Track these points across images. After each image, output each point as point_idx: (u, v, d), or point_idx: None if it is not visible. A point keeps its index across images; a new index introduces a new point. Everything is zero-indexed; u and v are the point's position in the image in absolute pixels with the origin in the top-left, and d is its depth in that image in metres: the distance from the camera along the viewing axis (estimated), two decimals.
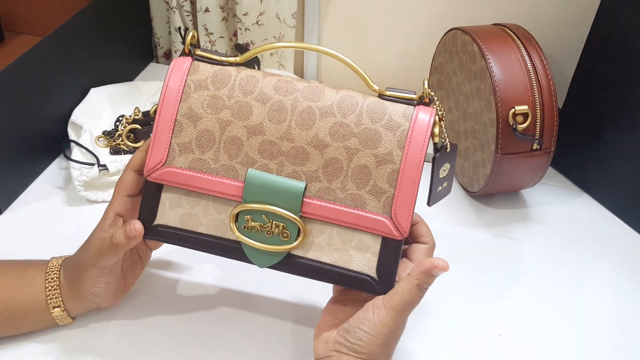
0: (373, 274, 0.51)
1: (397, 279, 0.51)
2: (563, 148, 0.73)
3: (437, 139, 0.52)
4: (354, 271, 0.51)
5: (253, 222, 0.51)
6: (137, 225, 0.52)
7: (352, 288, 0.52)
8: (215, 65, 0.53)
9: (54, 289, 0.55)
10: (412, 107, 0.51)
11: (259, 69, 0.88)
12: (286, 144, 0.51)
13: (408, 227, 0.50)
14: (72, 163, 0.74)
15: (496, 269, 0.69)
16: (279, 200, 0.51)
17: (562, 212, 0.77)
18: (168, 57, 1.04)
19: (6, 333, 0.57)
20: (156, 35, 1.01)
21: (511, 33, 0.72)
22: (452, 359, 0.59)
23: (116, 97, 0.85)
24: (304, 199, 0.51)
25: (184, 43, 0.55)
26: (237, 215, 0.51)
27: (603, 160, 0.77)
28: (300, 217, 0.51)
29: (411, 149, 0.50)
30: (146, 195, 0.53)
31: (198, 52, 0.54)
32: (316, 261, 0.52)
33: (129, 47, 0.96)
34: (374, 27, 0.94)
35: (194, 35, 0.54)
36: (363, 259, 0.51)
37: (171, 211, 0.53)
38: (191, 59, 0.53)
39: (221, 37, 0.97)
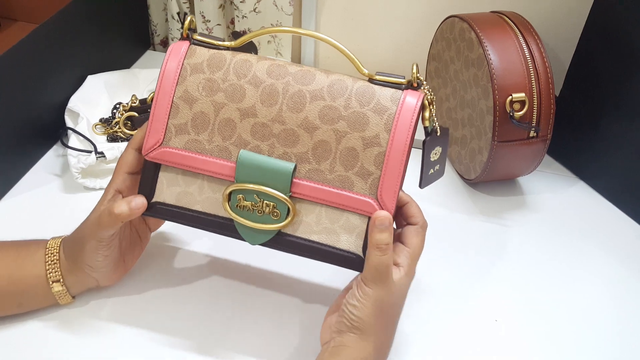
0: (359, 252, 0.52)
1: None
2: (560, 136, 0.73)
3: (427, 123, 0.53)
4: (341, 249, 0.53)
5: (245, 202, 0.53)
6: (140, 200, 0.54)
7: (339, 265, 0.53)
8: (211, 50, 0.54)
9: (54, 264, 0.56)
10: (400, 91, 0.52)
11: (256, 53, 0.88)
12: (277, 126, 0.52)
13: (393, 208, 0.51)
14: (69, 150, 0.74)
15: (492, 256, 0.69)
16: (270, 180, 0.52)
17: (559, 199, 0.77)
18: (165, 44, 1.04)
19: (8, 311, 0.57)
20: (153, 22, 1.01)
21: (509, 21, 0.71)
22: (447, 344, 0.59)
23: (113, 85, 0.85)
24: (294, 180, 0.52)
25: (182, 27, 0.56)
26: (230, 194, 0.53)
27: (599, 148, 0.77)
28: (290, 197, 0.52)
29: (397, 132, 0.51)
30: (145, 173, 0.55)
31: (196, 36, 0.55)
32: (305, 239, 0.53)
33: (125, 34, 0.95)
34: (372, 14, 0.93)
35: (192, 20, 0.55)
36: (350, 237, 0.52)
37: (168, 189, 0.55)
38: (189, 43, 0.54)
39: (218, 24, 0.97)
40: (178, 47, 0.54)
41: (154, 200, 0.55)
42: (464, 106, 0.75)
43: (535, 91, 0.68)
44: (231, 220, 0.54)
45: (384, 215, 0.50)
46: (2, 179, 0.73)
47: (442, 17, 0.79)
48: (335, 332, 0.51)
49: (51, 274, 0.56)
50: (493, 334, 0.61)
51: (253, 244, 0.54)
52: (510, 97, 0.67)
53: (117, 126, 0.79)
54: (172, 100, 0.54)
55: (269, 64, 0.53)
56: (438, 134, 0.55)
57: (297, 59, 1.01)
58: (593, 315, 0.63)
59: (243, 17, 0.95)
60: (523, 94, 0.67)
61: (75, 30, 0.81)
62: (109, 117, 0.81)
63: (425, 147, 0.55)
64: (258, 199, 0.53)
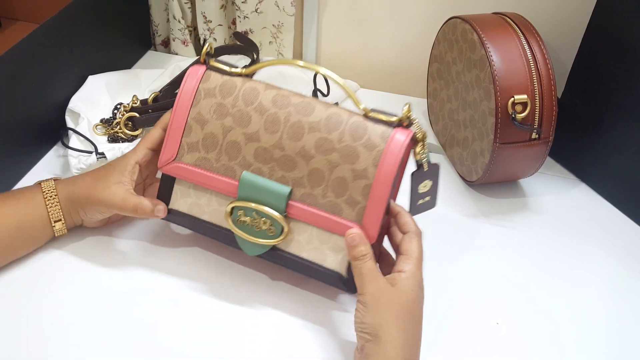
0: (343, 272, 0.58)
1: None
2: (562, 138, 0.73)
3: (418, 157, 0.58)
4: (327, 268, 0.58)
5: (245, 217, 0.59)
6: (163, 207, 0.62)
7: (324, 282, 0.59)
8: (224, 76, 0.60)
9: (55, 205, 0.62)
10: (391, 129, 0.56)
11: (257, 56, 0.87)
12: (278, 151, 0.57)
13: (376, 236, 0.56)
14: (70, 151, 0.74)
15: (493, 258, 0.69)
16: (268, 200, 0.58)
17: (560, 201, 0.77)
18: (166, 45, 1.04)
19: (16, 255, 0.63)
20: (154, 22, 1.01)
21: (511, 22, 0.71)
22: (449, 347, 0.59)
23: (114, 85, 0.85)
24: (289, 202, 0.57)
25: (206, 62, 0.61)
26: (232, 209, 0.59)
27: (601, 150, 0.77)
28: (285, 217, 0.58)
29: (384, 168, 0.55)
30: (162, 183, 0.62)
31: (212, 62, 0.60)
32: (296, 256, 0.59)
33: (127, 34, 0.95)
34: (374, 15, 0.93)
35: (211, 46, 0.61)
36: (336, 258, 0.58)
37: (181, 199, 0.62)
38: (205, 68, 0.60)
39: (220, 25, 0.97)
40: (195, 71, 0.60)
41: (169, 207, 0.62)
42: (465, 107, 0.75)
43: (537, 93, 0.68)
44: (232, 232, 0.60)
45: (354, 232, 0.55)
46: (3, 179, 0.72)
47: (444, 18, 0.79)
48: (358, 351, 0.53)
49: (53, 215, 0.62)
50: (494, 336, 0.60)
51: (250, 254, 0.60)
52: (513, 98, 0.67)
53: (118, 127, 0.79)
54: (187, 121, 0.60)
55: (275, 94, 0.58)
56: (425, 169, 0.59)
57: (298, 58, 1.01)
58: (594, 317, 0.63)
59: (245, 18, 0.95)
60: (525, 96, 0.67)
61: (76, 30, 0.80)
62: (110, 117, 0.81)
63: (413, 179, 0.60)
64: (256, 216, 0.58)
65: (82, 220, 0.65)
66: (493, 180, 0.75)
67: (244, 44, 0.93)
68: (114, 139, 0.78)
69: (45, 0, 0.94)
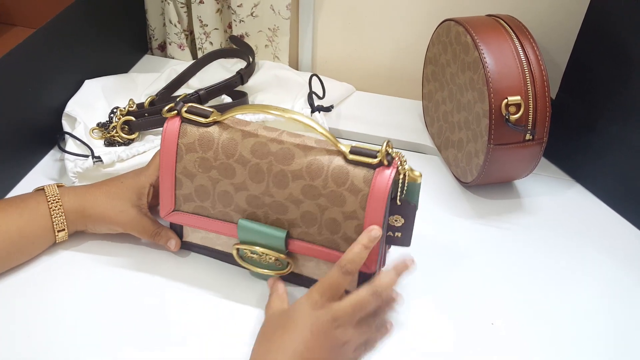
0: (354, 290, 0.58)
1: None
2: (556, 138, 0.73)
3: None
4: None
5: (251, 254, 0.62)
6: (178, 242, 0.66)
7: None
8: (200, 128, 0.60)
9: (60, 216, 0.63)
10: (372, 170, 0.56)
11: (253, 60, 0.88)
12: (267, 198, 0.59)
13: (375, 266, 0.58)
14: (66, 155, 0.74)
15: (488, 259, 0.69)
16: (267, 243, 0.61)
17: (555, 202, 0.77)
18: (163, 48, 1.04)
19: (18, 261, 0.64)
20: (151, 27, 1.01)
21: (504, 24, 0.72)
22: (444, 347, 0.59)
23: (110, 89, 0.85)
24: (289, 240, 0.60)
25: (179, 112, 0.61)
26: (238, 249, 0.63)
27: (596, 151, 0.77)
28: (288, 253, 0.61)
29: (371, 210, 0.56)
30: (172, 225, 0.66)
31: (184, 114, 0.60)
32: (310, 278, 0.63)
33: (123, 38, 0.95)
34: (368, 18, 0.94)
35: (182, 106, 0.61)
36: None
37: (193, 234, 0.66)
38: (179, 122, 0.60)
39: (216, 28, 0.97)
40: (172, 128, 0.60)
41: (183, 239, 0.67)
42: (460, 109, 0.76)
43: (530, 94, 0.68)
44: None
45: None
46: (0, 183, 0.73)
47: (438, 20, 0.79)
48: None
49: (57, 225, 0.63)
50: (490, 337, 0.61)
51: (264, 279, 0.65)
52: (506, 100, 0.67)
53: (114, 130, 0.79)
54: (175, 175, 0.61)
55: (253, 143, 0.58)
56: (397, 203, 0.59)
57: (294, 63, 1.01)
58: (590, 317, 0.63)
59: (240, 22, 0.95)
60: (519, 97, 0.67)
61: (72, 34, 0.81)
62: (106, 121, 0.81)
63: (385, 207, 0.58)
64: (261, 254, 0.62)
65: (86, 230, 0.66)
66: (488, 182, 0.76)
67: (240, 48, 0.93)
68: (110, 142, 0.79)
69: (42, 5, 0.94)
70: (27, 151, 0.77)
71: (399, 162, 0.57)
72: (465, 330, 0.61)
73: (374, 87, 0.99)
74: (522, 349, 0.60)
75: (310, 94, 0.84)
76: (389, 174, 0.55)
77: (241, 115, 0.70)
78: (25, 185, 0.75)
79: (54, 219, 0.63)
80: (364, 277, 0.60)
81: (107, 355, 0.57)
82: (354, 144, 0.58)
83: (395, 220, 0.61)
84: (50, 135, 0.79)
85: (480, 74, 0.69)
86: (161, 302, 0.62)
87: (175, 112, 0.61)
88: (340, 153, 0.57)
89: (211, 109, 0.61)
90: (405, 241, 0.63)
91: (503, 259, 0.69)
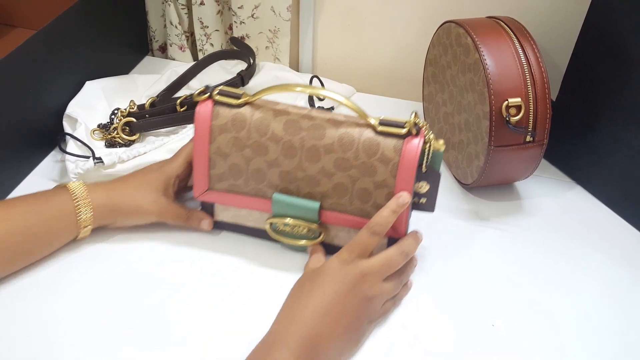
0: None
1: None
2: (556, 140, 0.73)
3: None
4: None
5: (284, 227, 0.65)
6: (211, 221, 0.68)
7: None
8: (232, 109, 0.62)
9: (87, 212, 0.64)
10: (401, 140, 0.59)
11: (253, 61, 0.88)
12: (300, 173, 0.62)
13: (404, 231, 0.62)
14: (67, 156, 0.74)
15: (489, 261, 0.69)
16: (301, 214, 0.63)
17: (555, 204, 0.77)
18: (163, 50, 1.04)
19: (37, 257, 0.64)
20: (151, 28, 1.01)
21: (505, 26, 0.72)
22: (444, 349, 0.59)
23: (111, 90, 0.85)
24: (321, 211, 0.63)
25: (210, 95, 0.64)
26: (271, 223, 0.65)
27: (596, 153, 0.77)
28: (320, 224, 0.64)
29: (402, 178, 0.59)
30: (203, 204, 0.68)
31: (216, 96, 0.63)
32: (340, 246, 0.63)
33: (124, 40, 0.95)
34: (369, 20, 0.94)
35: (207, 87, 0.64)
36: (376, 247, 0.61)
37: (223, 213, 0.68)
38: (212, 103, 0.63)
39: (216, 30, 0.97)
40: (204, 110, 0.63)
41: (214, 219, 0.69)
42: (460, 111, 0.76)
43: (531, 96, 0.68)
44: None
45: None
46: (0, 184, 0.73)
47: (438, 22, 0.79)
48: None
49: (84, 221, 0.64)
50: (491, 338, 0.61)
51: (296, 250, 0.68)
52: (507, 102, 0.67)
53: (115, 132, 0.79)
54: (209, 156, 0.64)
55: (285, 121, 0.61)
56: (423, 170, 0.61)
57: (295, 64, 1.02)
58: (590, 319, 0.63)
59: (241, 23, 0.95)
60: (519, 99, 0.67)
61: (73, 36, 0.81)
62: (107, 122, 0.81)
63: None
64: (294, 226, 0.64)
65: (111, 224, 0.67)
66: (488, 183, 0.76)
67: (240, 49, 0.93)
68: (111, 144, 0.79)
69: (43, 7, 0.94)
70: (28, 152, 0.77)
71: (425, 132, 0.60)
72: (465, 331, 0.61)
73: (374, 88, 0.99)
74: (522, 350, 0.60)
75: (311, 95, 0.84)
76: (417, 142, 0.59)
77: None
78: (27, 186, 0.75)
79: (81, 216, 0.63)
80: (393, 242, 0.63)
81: (107, 356, 0.57)
82: (382, 116, 0.60)
83: (421, 187, 0.63)
84: (50, 136, 0.79)
85: (481, 76, 0.69)
86: (161, 301, 0.62)
87: (207, 95, 0.63)
88: (369, 126, 0.60)
89: (241, 92, 0.63)
90: (429, 207, 0.65)
91: (503, 260, 0.69)
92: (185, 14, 0.98)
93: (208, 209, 0.68)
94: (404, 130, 0.59)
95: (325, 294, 0.56)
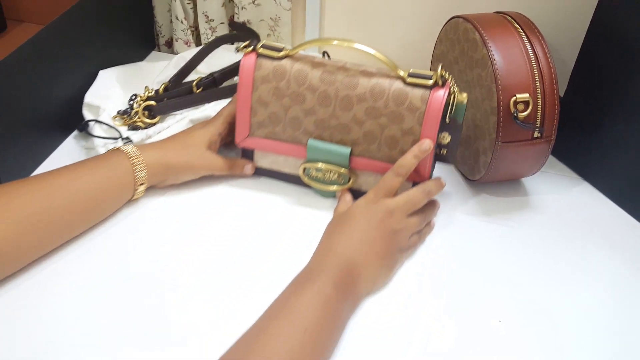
0: None
1: None
2: (564, 136, 0.73)
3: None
4: None
5: (316, 172, 0.72)
6: (251, 166, 0.75)
7: None
8: (274, 61, 0.69)
9: (142, 170, 0.68)
10: (428, 90, 0.65)
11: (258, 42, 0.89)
12: (333, 121, 0.68)
13: (427, 176, 0.68)
14: (96, 141, 0.76)
15: (496, 257, 0.69)
16: (332, 160, 0.70)
17: (563, 200, 0.77)
18: (170, 45, 1.04)
19: (100, 218, 0.68)
20: (158, 23, 1.01)
21: (513, 21, 0.71)
22: (451, 345, 0.59)
23: (124, 78, 0.88)
24: (351, 157, 0.69)
25: (254, 48, 0.70)
26: (305, 168, 0.72)
27: (604, 149, 0.77)
28: (350, 169, 0.70)
29: (427, 125, 0.65)
30: (244, 152, 0.75)
31: (259, 49, 0.69)
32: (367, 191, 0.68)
33: (130, 35, 0.96)
34: (376, 15, 0.94)
35: (259, 44, 0.70)
36: (401, 191, 0.67)
37: (262, 159, 0.75)
38: (255, 56, 0.69)
39: (222, 23, 0.98)
40: (248, 61, 0.69)
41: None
42: (468, 107, 0.75)
43: (539, 92, 0.68)
44: None
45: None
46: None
47: (446, 17, 0.79)
48: None
49: (138, 179, 0.68)
50: (496, 335, 0.61)
51: (326, 197, 0.74)
52: (514, 97, 0.67)
53: (137, 116, 0.81)
54: (251, 105, 0.70)
55: (321, 72, 0.68)
56: (446, 121, 0.66)
57: None
58: (596, 316, 0.63)
59: (242, 9, 0.96)
60: (527, 95, 0.67)
61: (80, 31, 0.81)
62: (127, 108, 0.83)
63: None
64: (326, 171, 0.71)
65: (161, 183, 0.72)
66: (495, 179, 0.75)
67: (242, 32, 0.95)
68: (134, 128, 0.81)
69: (50, 2, 0.95)
70: (33, 147, 0.77)
71: (451, 84, 0.65)
72: (471, 328, 0.61)
73: None
74: (528, 348, 0.60)
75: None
76: (443, 92, 0.65)
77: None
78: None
79: (136, 174, 0.67)
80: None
81: (107, 355, 0.56)
82: (410, 70, 0.66)
83: (443, 138, 0.68)
84: (57, 131, 0.80)
85: (489, 71, 0.68)
86: (161, 302, 0.61)
87: (251, 48, 0.69)
88: (399, 77, 0.66)
89: (282, 45, 0.69)
90: (450, 158, 0.70)
91: (510, 256, 0.69)
92: (191, 8, 0.98)
93: (248, 156, 0.75)
94: (430, 82, 0.65)
95: (357, 229, 0.63)
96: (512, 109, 0.67)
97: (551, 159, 0.82)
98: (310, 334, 0.53)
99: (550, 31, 0.84)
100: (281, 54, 0.68)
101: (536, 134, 0.69)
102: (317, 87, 0.67)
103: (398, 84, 0.66)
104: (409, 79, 0.65)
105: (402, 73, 0.66)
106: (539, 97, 0.68)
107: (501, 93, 0.67)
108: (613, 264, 0.69)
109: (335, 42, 0.65)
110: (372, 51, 0.65)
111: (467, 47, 0.73)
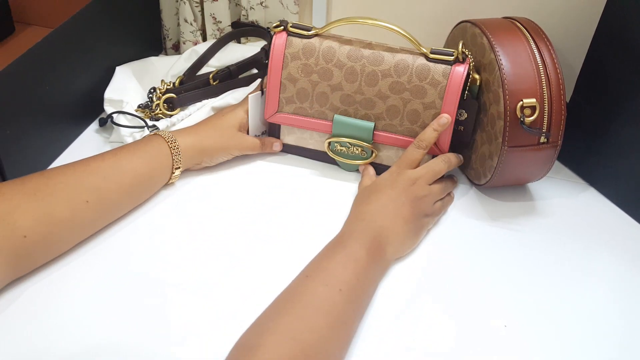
0: None
1: None
2: (570, 142, 0.73)
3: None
4: None
5: (340, 147, 0.76)
6: (279, 143, 0.79)
7: None
8: (303, 40, 0.73)
9: (178, 154, 0.71)
10: (449, 66, 0.70)
11: (271, 37, 0.89)
12: (359, 96, 0.72)
13: (447, 150, 0.73)
14: (122, 131, 0.79)
15: (501, 261, 0.69)
16: (357, 134, 0.74)
17: (569, 205, 0.77)
18: (177, 48, 1.05)
19: (140, 201, 0.71)
20: (165, 27, 1.01)
21: (521, 26, 0.72)
22: (457, 349, 0.59)
23: (139, 73, 0.90)
24: (374, 132, 0.73)
25: (285, 27, 0.74)
26: (330, 143, 0.76)
27: (610, 155, 0.77)
28: (373, 144, 0.74)
29: (447, 99, 0.70)
30: (271, 127, 0.80)
31: (290, 28, 0.73)
32: (389, 166, 0.74)
33: (138, 38, 0.96)
34: (384, 17, 0.93)
35: (287, 23, 0.74)
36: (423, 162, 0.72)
37: (288, 136, 0.79)
38: (286, 35, 0.73)
39: (229, 25, 0.98)
40: (279, 39, 0.73)
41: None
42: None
43: (546, 97, 0.68)
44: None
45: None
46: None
47: (454, 21, 0.79)
48: None
49: (176, 162, 0.71)
50: (501, 339, 0.61)
51: (349, 171, 0.79)
52: (521, 102, 0.67)
53: (158, 108, 0.83)
54: (281, 81, 0.74)
55: (348, 49, 0.72)
56: (464, 98, 0.70)
57: None
58: (602, 321, 0.63)
59: (251, 9, 0.97)
60: (534, 100, 0.67)
61: (87, 34, 0.81)
62: (147, 102, 0.86)
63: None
64: (350, 145, 0.75)
65: (196, 166, 0.75)
66: (501, 184, 0.75)
67: (251, 27, 0.97)
68: (156, 119, 0.83)
69: (58, 5, 0.95)
70: (43, 152, 0.77)
71: (471, 60, 0.70)
72: (476, 332, 0.61)
73: None
74: (534, 352, 0.60)
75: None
76: (463, 68, 0.69)
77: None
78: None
79: (174, 157, 0.70)
80: None
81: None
82: (433, 47, 0.71)
83: (460, 114, 0.73)
84: (65, 138, 0.81)
85: (496, 76, 0.69)
86: (162, 302, 0.62)
87: (282, 27, 0.73)
88: (422, 54, 0.71)
89: (311, 25, 0.74)
90: (466, 136, 0.74)
91: (516, 261, 0.69)
92: (199, 11, 0.98)
93: (275, 132, 0.79)
94: (452, 58, 0.69)
95: (383, 198, 0.67)
96: (519, 114, 0.67)
97: (557, 164, 0.82)
98: (344, 293, 0.56)
99: (557, 36, 0.83)
100: (311, 32, 0.72)
101: (542, 139, 0.69)
102: (344, 63, 0.71)
103: (421, 60, 0.70)
104: (432, 56, 0.70)
105: (425, 50, 0.70)
106: (546, 102, 0.68)
107: (508, 98, 0.67)
108: (618, 268, 0.69)
109: (361, 21, 0.70)
110: (397, 29, 0.69)
111: (475, 51, 0.73)
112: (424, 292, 0.64)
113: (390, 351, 0.58)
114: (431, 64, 0.70)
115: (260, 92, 0.78)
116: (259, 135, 0.81)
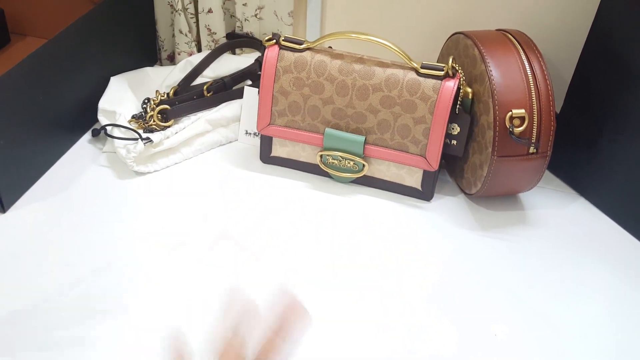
0: (419, 187, 0.77)
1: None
2: (561, 152, 0.74)
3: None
4: (406, 185, 0.77)
5: (332, 160, 0.77)
6: None
7: (405, 195, 0.78)
8: (295, 53, 0.74)
9: None
10: (440, 81, 0.70)
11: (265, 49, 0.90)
12: (350, 110, 0.73)
13: (437, 165, 0.73)
14: (116, 143, 0.78)
15: (492, 271, 0.69)
16: (347, 148, 0.75)
17: (559, 215, 0.78)
18: (172, 59, 1.05)
19: None
20: (160, 38, 1.02)
21: (512, 39, 0.72)
22: (446, 357, 0.60)
23: (134, 84, 0.90)
24: (366, 145, 0.74)
25: (277, 41, 0.75)
26: (322, 155, 0.77)
27: (600, 164, 0.77)
28: (364, 157, 0.75)
29: (438, 114, 0.70)
30: (263, 140, 0.80)
31: (282, 41, 0.74)
32: (379, 179, 0.77)
33: (133, 49, 0.96)
34: (378, 31, 0.94)
35: (279, 36, 0.75)
36: (412, 179, 0.76)
37: (280, 149, 0.80)
38: (278, 48, 0.74)
39: (224, 37, 0.99)
40: (271, 53, 0.74)
41: (272, 155, 0.80)
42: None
43: (535, 108, 0.69)
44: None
45: None
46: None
47: (447, 33, 0.80)
48: None
49: None
50: (493, 348, 0.61)
51: (341, 182, 0.79)
52: (510, 112, 0.68)
53: (152, 119, 0.83)
54: (273, 94, 0.75)
55: (339, 63, 0.73)
56: (455, 112, 0.71)
57: None
58: (593, 330, 0.63)
59: (245, 20, 0.97)
60: (523, 110, 0.68)
61: (83, 45, 0.82)
62: (141, 112, 0.85)
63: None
64: (341, 159, 0.76)
65: None
66: (492, 194, 0.76)
67: (246, 39, 0.98)
68: (149, 131, 0.83)
69: (54, 16, 0.96)
70: (38, 158, 0.78)
71: (461, 75, 0.70)
72: (466, 341, 0.61)
73: None
74: (526, 358, 0.60)
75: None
76: (453, 83, 0.70)
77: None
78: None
79: None
80: (427, 175, 0.75)
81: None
82: (424, 61, 0.71)
83: (452, 129, 0.73)
84: (60, 146, 0.81)
85: (486, 87, 0.69)
86: (163, 302, 0.63)
87: (274, 41, 0.74)
88: (413, 68, 0.71)
89: (303, 39, 0.74)
90: (458, 150, 0.74)
91: (506, 271, 0.69)
92: (194, 22, 0.99)
93: (267, 142, 0.79)
94: (442, 72, 0.69)
95: None
96: (508, 124, 0.68)
97: (547, 174, 0.82)
98: None
99: (549, 48, 0.85)
100: (302, 46, 0.73)
101: (532, 150, 0.69)
102: (335, 77, 0.72)
103: (412, 75, 0.71)
104: (422, 70, 0.70)
105: (415, 64, 0.70)
106: (535, 113, 0.68)
107: (497, 108, 0.68)
108: (608, 277, 0.69)
109: (353, 35, 0.70)
110: (388, 43, 0.70)
111: (467, 62, 0.74)
112: (414, 301, 0.65)
113: (392, 354, 0.59)
114: (421, 79, 0.70)
115: (256, 88, 0.78)
116: (251, 134, 0.82)
